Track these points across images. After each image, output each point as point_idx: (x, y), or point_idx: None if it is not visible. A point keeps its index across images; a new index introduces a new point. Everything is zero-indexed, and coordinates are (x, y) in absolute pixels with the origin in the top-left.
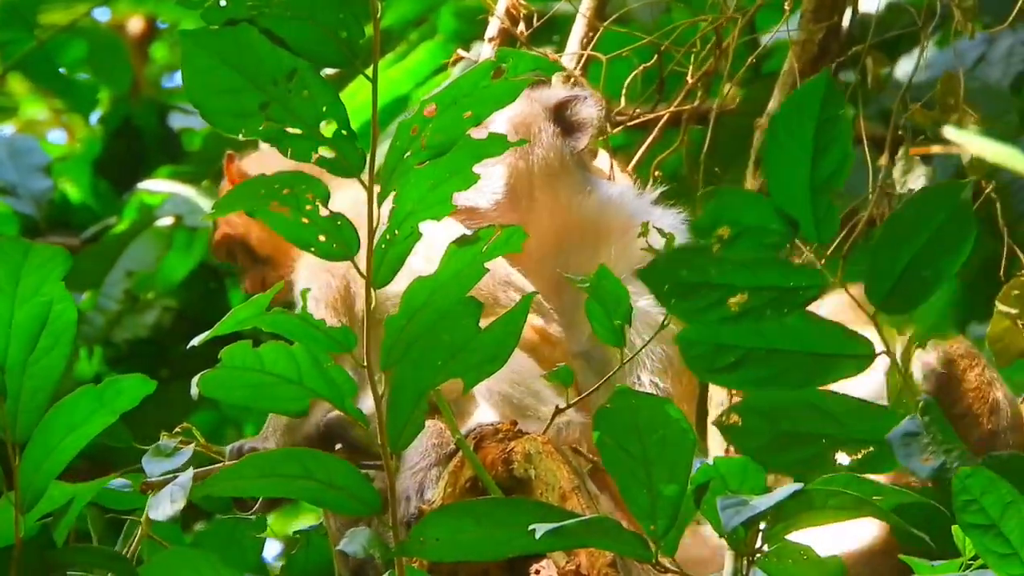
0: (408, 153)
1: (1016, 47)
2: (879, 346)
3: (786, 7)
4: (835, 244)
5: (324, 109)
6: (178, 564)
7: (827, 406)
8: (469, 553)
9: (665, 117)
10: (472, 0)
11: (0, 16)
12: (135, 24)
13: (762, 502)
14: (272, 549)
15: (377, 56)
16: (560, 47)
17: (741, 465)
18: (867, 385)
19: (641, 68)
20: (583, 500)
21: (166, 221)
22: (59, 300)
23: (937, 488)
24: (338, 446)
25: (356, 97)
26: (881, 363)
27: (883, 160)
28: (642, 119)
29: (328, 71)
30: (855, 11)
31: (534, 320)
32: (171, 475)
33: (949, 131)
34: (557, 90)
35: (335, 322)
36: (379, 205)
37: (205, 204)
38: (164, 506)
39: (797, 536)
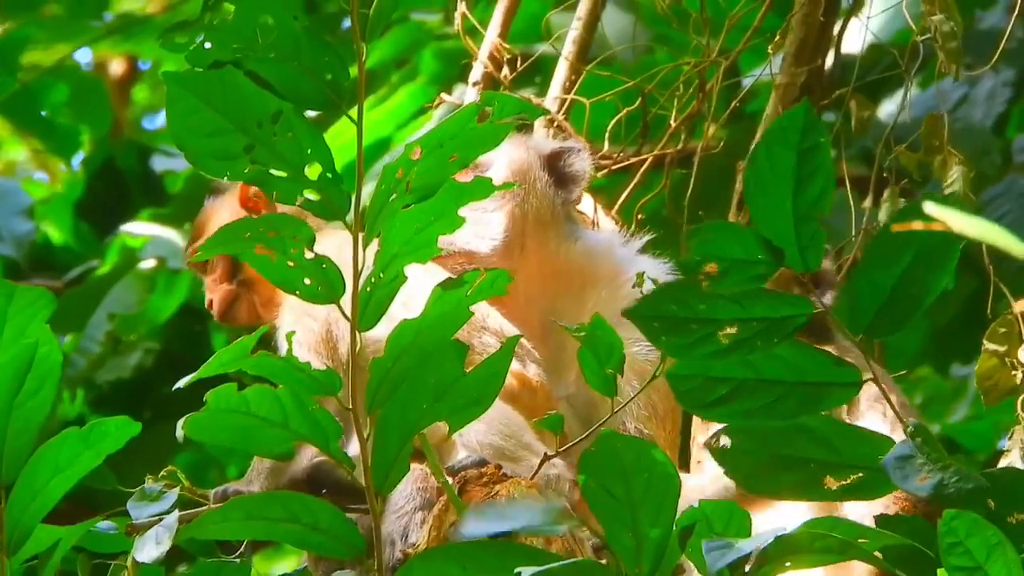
0: (393, 196)
1: (998, 88)
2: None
3: (769, 49)
4: None
5: (309, 151)
6: None
7: (819, 430)
8: None
9: (649, 160)
10: (453, 43)
11: None
12: (116, 66)
13: (747, 545)
14: None
15: (363, 98)
16: (542, 88)
17: (726, 508)
18: None
19: (624, 112)
20: (568, 543)
21: (149, 263)
22: (44, 342)
23: (937, 506)
24: (324, 491)
25: (338, 139)
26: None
27: (867, 202)
28: (625, 162)
29: (310, 113)
30: (838, 53)
31: (512, 365)
32: (156, 518)
33: (930, 207)
34: (550, 140)
35: (320, 365)
36: (364, 248)
37: None
38: (149, 548)
39: None
